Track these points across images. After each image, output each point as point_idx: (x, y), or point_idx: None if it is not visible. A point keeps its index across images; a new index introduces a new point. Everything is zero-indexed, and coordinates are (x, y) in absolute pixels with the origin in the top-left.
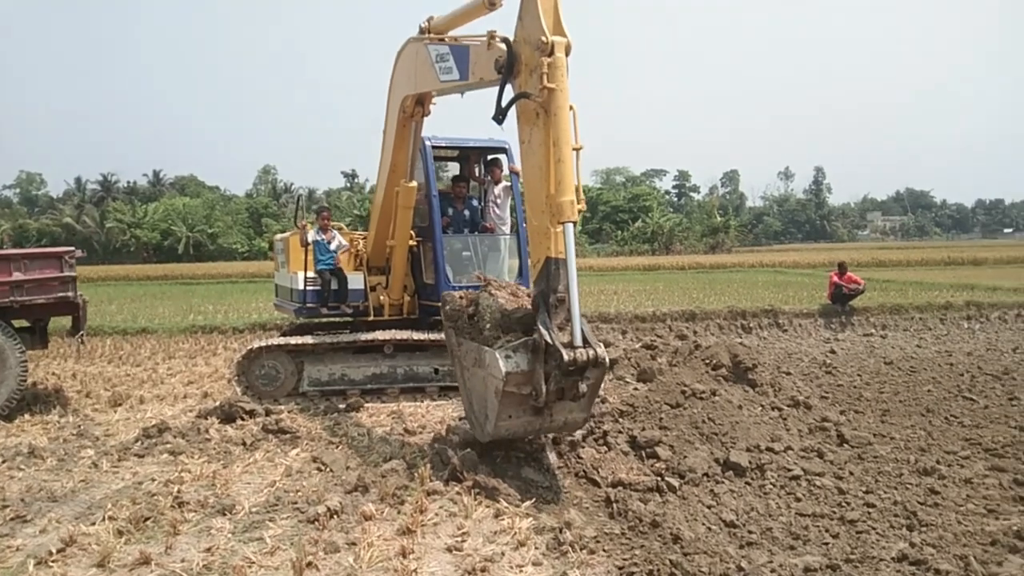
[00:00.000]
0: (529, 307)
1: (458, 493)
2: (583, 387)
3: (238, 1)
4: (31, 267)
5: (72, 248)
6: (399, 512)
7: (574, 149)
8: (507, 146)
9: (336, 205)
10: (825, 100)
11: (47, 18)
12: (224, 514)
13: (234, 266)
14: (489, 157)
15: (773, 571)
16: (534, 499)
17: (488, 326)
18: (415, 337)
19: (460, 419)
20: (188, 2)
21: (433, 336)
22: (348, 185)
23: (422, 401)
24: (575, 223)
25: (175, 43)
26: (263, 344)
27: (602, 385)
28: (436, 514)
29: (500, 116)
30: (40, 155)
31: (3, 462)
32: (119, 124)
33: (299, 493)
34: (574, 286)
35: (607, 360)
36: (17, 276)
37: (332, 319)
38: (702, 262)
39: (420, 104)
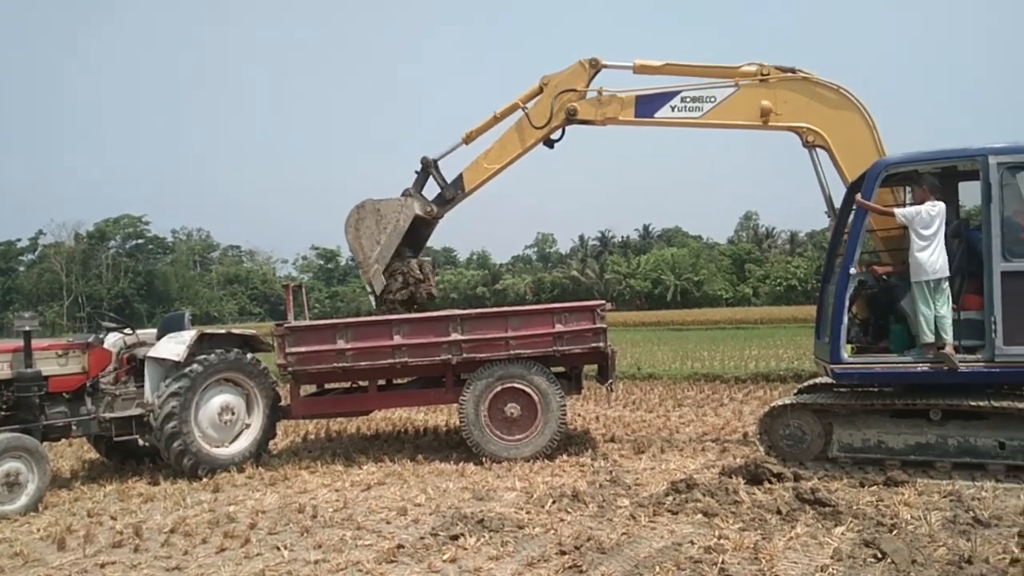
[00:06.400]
0: None
1: None
2: None
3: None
4: (569, 319)
5: (603, 301)
6: None
7: None
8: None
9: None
10: None
11: None
12: None
13: (720, 312)
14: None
15: None
16: None
17: None
18: (969, 403)
19: None
20: None
21: (996, 403)
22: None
23: (983, 481)
24: None
25: None
26: (787, 402)
27: None
28: None
29: None
30: (553, 219)
31: (553, 502)
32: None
33: None
34: None
35: None
36: (559, 327)
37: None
38: None
39: None
